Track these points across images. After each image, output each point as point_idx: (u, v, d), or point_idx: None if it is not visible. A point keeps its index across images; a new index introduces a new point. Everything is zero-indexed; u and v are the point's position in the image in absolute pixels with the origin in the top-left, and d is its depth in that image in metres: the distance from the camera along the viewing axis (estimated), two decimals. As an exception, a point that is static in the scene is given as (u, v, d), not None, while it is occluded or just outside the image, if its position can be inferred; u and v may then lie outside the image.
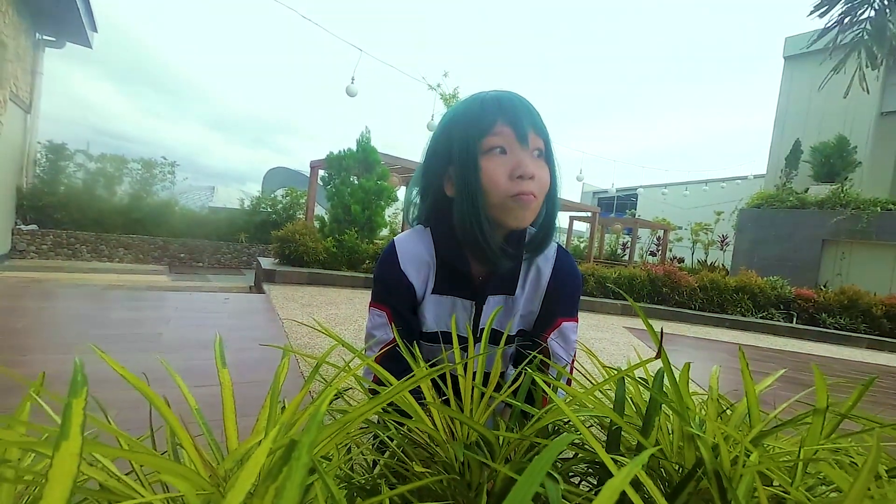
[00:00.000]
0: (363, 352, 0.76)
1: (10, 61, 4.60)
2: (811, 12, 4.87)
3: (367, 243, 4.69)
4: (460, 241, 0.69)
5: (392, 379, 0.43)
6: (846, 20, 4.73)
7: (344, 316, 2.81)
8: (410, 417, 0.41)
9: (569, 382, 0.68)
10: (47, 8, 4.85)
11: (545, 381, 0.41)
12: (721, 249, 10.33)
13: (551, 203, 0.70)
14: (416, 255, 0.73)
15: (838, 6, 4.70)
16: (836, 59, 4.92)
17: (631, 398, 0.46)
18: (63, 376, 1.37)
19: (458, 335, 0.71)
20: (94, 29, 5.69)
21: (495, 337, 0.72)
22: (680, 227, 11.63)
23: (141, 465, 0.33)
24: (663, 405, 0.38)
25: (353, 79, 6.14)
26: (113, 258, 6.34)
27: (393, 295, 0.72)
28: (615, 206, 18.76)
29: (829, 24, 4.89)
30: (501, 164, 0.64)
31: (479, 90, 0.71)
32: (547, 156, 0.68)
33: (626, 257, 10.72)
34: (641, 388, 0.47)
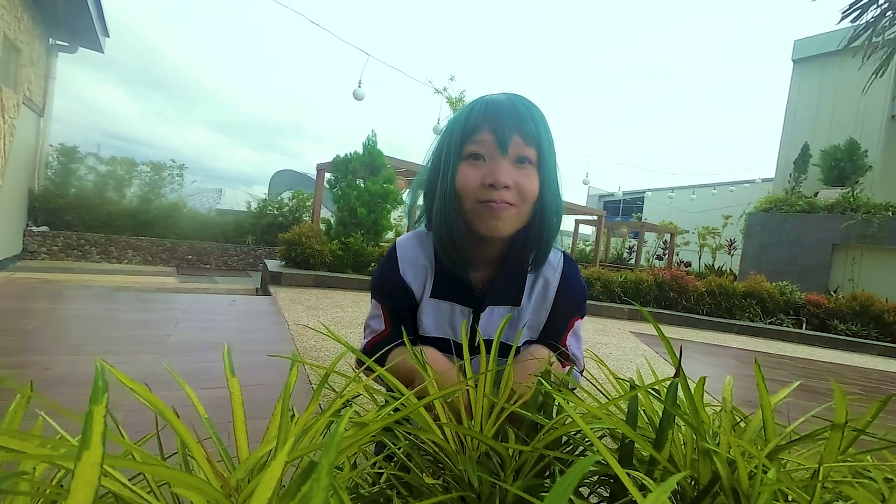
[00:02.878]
0: (361, 341, 0.79)
1: (25, 66, 4.68)
2: (841, 18, 4.79)
3: (372, 246, 4.70)
4: (437, 244, 0.69)
5: (404, 389, 0.43)
6: (881, 24, 4.63)
7: (349, 319, 2.82)
8: (414, 423, 0.41)
9: (581, 372, 0.71)
10: (61, 14, 4.94)
11: (557, 388, 0.41)
12: (729, 254, 10.23)
13: (543, 213, 0.67)
14: (414, 258, 0.74)
15: (871, 10, 4.61)
16: (872, 62, 4.82)
17: (643, 409, 0.45)
18: (73, 378, 1.38)
19: (457, 343, 0.71)
20: (106, 34, 5.78)
21: (502, 349, 0.71)
22: (687, 231, 11.54)
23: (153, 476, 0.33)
24: (675, 417, 0.38)
25: (360, 82, 6.19)
26: (122, 260, 6.42)
27: (389, 296, 0.74)
28: (621, 210, 18.66)
29: (858, 29, 4.81)
30: (477, 170, 0.63)
31: (486, 93, 0.70)
32: (540, 164, 0.65)
33: (633, 261, 10.64)
34: (653, 400, 0.46)
